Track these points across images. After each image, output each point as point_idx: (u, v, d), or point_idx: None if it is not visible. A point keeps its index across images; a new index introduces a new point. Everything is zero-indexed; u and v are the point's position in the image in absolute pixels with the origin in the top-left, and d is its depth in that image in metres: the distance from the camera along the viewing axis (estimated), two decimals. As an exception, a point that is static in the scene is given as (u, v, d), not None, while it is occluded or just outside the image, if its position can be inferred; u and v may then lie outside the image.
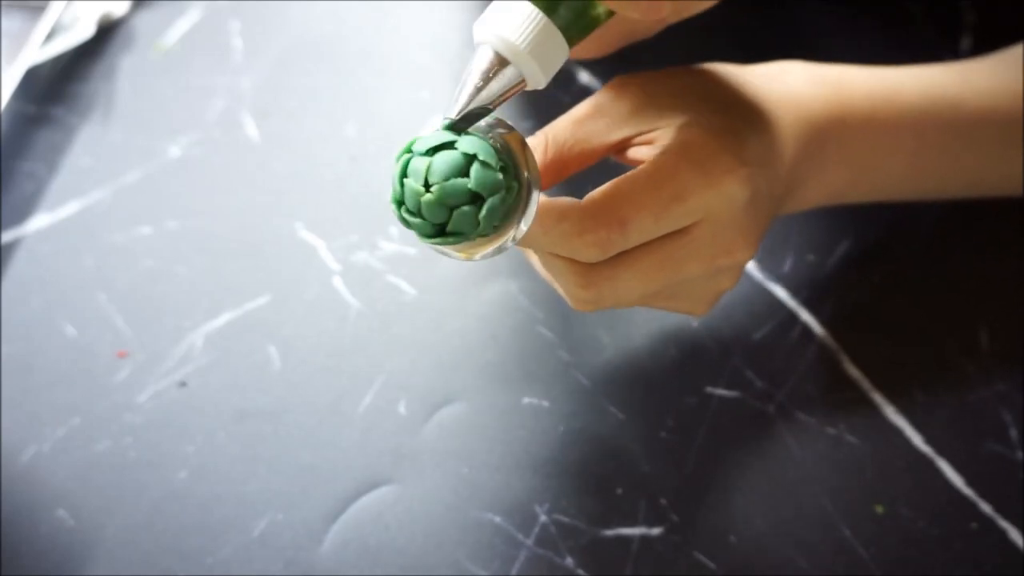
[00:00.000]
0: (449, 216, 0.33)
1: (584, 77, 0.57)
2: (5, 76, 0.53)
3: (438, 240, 0.33)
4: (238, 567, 0.42)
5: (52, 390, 0.46)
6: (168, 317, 0.49)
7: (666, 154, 0.36)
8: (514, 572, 0.42)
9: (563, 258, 0.37)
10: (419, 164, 0.33)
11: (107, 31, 0.60)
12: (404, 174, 0.33)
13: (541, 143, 0.38)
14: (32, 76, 0.57)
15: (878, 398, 0.46)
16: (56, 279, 0.50)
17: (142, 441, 0.45)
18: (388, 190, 0.34)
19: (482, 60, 0.32)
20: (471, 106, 0.33)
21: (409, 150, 0.33)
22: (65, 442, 0.45)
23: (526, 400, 0.46)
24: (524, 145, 0.34)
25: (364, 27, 0.60)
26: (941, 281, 0.49)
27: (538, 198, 0.34)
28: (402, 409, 0.46)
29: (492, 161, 0.33)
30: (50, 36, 0.56)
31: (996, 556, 0.42)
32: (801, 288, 0.49)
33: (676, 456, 0.44)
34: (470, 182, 0.32)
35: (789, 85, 0.41)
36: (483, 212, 0.33)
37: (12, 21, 0.56)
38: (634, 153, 0.38)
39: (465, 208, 0.33)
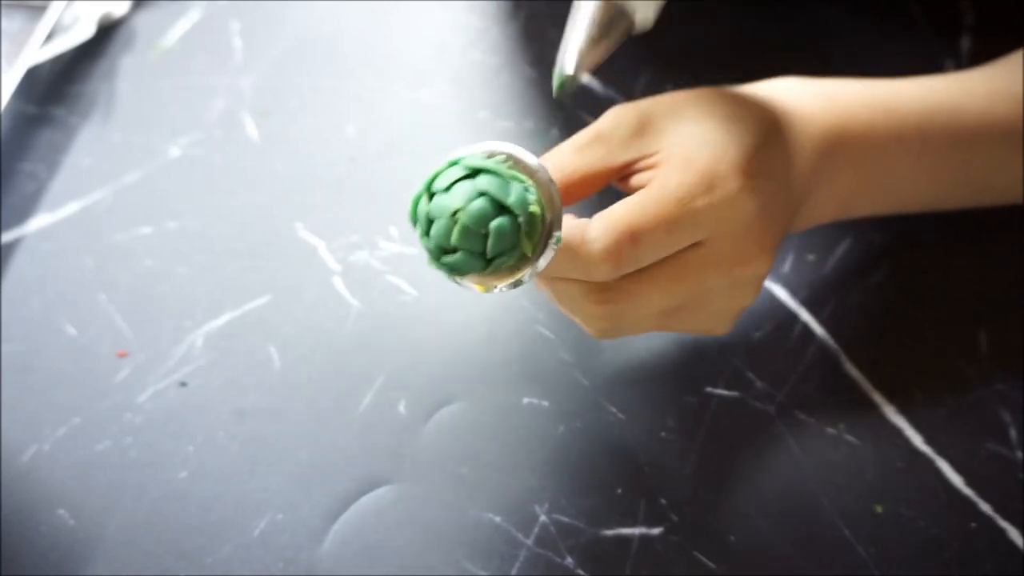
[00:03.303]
0: (485, 242, 0.34)
1: (584, 77, 0.57)
2: (5, 76, 0.53)
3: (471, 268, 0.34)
4: (238, 567, 0.42)
5: (52, 390, 0.46)
6: (168, 317, 0.49)
7: (671, 170, 0.37)
8: (514, 572, 0.42)
9: (577, 281, 0.37)
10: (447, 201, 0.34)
11: (107, 31, 0.60)
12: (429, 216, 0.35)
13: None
14: (32, 76, 0.57)
15: (878, 398, 0.46)
16: (56, 279, 0.50)
17: (142, 441, 0.45)
18: (413, 213, 0.35)
19: (590, 8, 0.33)
20: (582, 51, 0.34)
21: (430, 188, 0.35)
22: (65, 442, 0.45)
23: (526, 400, 0.46)
24: (551, 181, 0.35)
25: (364, 27, 0.60)
26: (941, 282, 0.49)
27: (561, 235, 0.35)
28: (402, 409, 0.46)
29: (526, 207, 0.34)
30: (50, 36, 0.56)
31: (996, 556, 0.42)
32: (801, 288, 0.49)
33: (676, 456, 0.44)
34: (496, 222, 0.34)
35: (789, 100, 0.41)
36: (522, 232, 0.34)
37: (12, 21, 0.56)
38: (637, 180, 0.38)
39: (502, 223, 0.34)
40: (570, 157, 0.38)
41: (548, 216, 0.35)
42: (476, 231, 0.33)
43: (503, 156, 0.35)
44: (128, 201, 0.53)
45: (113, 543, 0.42)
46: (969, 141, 0.43)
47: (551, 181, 0.35)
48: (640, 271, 0.37)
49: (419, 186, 0.35)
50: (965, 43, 0.57)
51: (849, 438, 0.45)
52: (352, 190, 0.53)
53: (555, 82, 0.35)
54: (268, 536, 0.42)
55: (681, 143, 0.37)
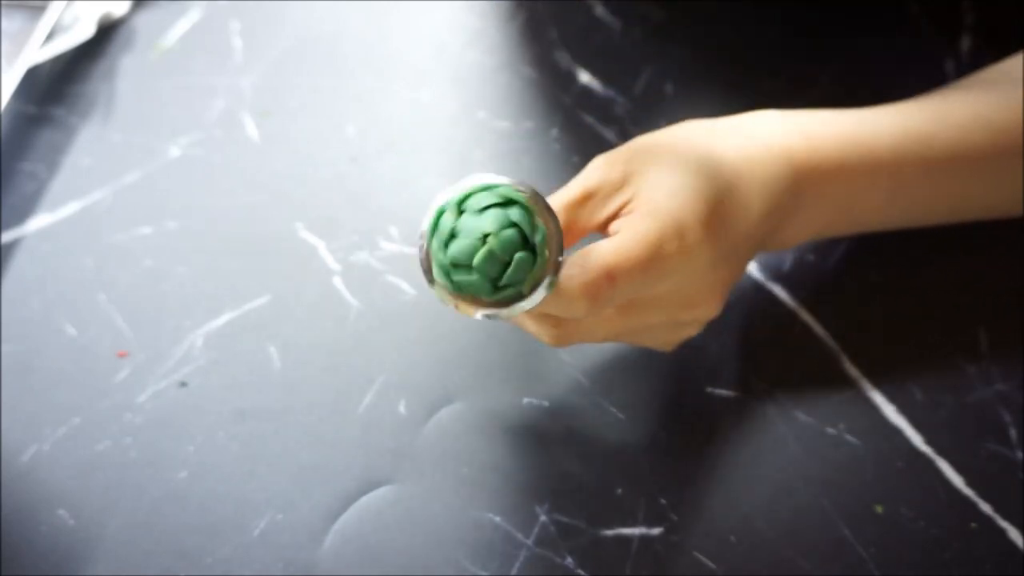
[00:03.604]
0: (503, 269, 0.35)
1: (584, 77, 0.57)
2: (5, 76, 0.53)
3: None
4: (238, 567, 0.42)
5: (52, 390, 0.46)
6: (168, 317, 0.49)
7: (645, 218, 0.39)
8: (514, 572, 0.42)
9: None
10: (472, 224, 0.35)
11: (107, 31, 0.60)
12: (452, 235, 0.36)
13: None
14: (32, 76, 0.57)
15: (878, 398, 0.46)
16: (56, 279, 0.50)
17: (142, 441, 0.45)
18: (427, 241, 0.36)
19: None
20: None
21: (442, 213, 0.36)
22: (65, 442, 0.45)
23: (526, 400, 0.46)
24: (559, 230, 0.37)
25: (364, 27, 0.60)
26: (941, 281, 0.49)
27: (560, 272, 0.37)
28: (402, 409, 0.46)
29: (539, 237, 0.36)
30: (50, 36, 0.57)
31: (996, 556, 0.42)
32: (801, 288, 0.49)
33: (676, 456, 0.44)
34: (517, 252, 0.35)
35: (760, 138, 0.42)
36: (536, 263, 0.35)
37: (12, 21, 0.56)
38: (613, 226, 0.40)
39: (521, 255, 0.35)
40: (563, 216, 0.41)
41: (553, 261, 0.36)
42: (500, 258, 0.35)
43: (531, 193, 0.36)
44: (128, 201, 0.53)
45: (113, 543, 0.42)
46: (943, 169, 0.44)
47: (559, 230, 0.37)
48: None
49: (445, 199, 0.36)
50: (965, 43, 0.57)
51: (849, 438, 0.45)
52: (352, 190, 0.53)
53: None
54: (268, 536, 0.42)
55: (652, 193, 0.39)
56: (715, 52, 0.57)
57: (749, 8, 0.59)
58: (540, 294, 0.36)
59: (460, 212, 0.36)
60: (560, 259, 0.36)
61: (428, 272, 0.36)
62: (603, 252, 0.38)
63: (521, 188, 0.36)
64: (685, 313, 0.41)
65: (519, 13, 0.60)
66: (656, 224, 0.38)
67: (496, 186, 0.36)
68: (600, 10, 0.60)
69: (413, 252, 0.51)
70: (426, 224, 0.36)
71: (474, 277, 0.35)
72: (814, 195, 0.43)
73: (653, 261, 0.38)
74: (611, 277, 0.37)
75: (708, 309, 0.41)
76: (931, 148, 0.44)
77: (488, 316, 0.36)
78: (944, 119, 0.44)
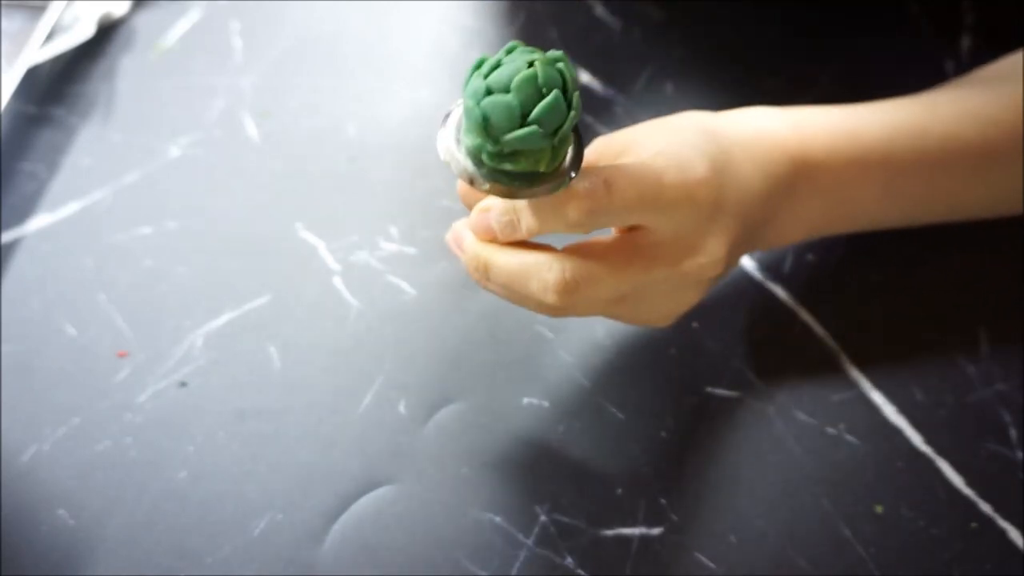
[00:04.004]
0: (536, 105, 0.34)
1: (584, 77, 0.57)
2: (5, 76, 0.53)
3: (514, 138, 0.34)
4: (238, 567, 0.42)
5: (52, 390, 0.46)
6: (168, 317, 0.49)
7: (647, 153, 0.39)
8: (514, 572, 0.42)
9: (546, 257, 0.39)
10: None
11: (107, 31, 0.60)
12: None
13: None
14: (32, 76, 0.57)
15: (878, 398, 0.46)
16: (56, 279, 0.50)
17: (142, 441, 0.45)
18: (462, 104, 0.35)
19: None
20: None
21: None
22: (65, 442, 0.45)
23: (526, 400, 0.46)
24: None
25: (364, 27, 0.60)
26: (941, 281, 0.49)
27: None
28: (402, 409, 0.46)
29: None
30: (50, 36, 0.56)
31: (996, 556, 0.42)
32: (801, 288, 0.49)
33: (676, 456, 0.44)
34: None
35: (755, 128, 0.42)
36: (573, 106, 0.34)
37: (12, 21, 0.56)
38: None
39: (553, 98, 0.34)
40: None
41: (574, 153, 0.36)
42: (540, 86, 0.33)
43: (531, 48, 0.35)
44: (128, 201, 0.53)
45: (113, 543, 0.42)
46: (935, 165, 0.44)
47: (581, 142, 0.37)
48: (595, 253, 0.39)
49: (473, 66, 0.35)
50: (965, 43, 0.57)
51: (849, 438, 0.45)
52: (352, 190, 0.53)
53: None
54: (268, 536, 0.42)
55: (656, 145, 0.40)
56: (715, 52, 0.57)
57: (749, 8, 0.59)
58: (556, 183, 0.36)
59: (506, 52, 0.35)
60: (577, 165, 0.36)
61: (455, 130, 0.36)
62: (604, 165, 0.38)
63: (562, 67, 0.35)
64: (688, 261, 0.39)
65: (519, 13, 0.60)
66: (658, 159, 0.38)
67: (517, 47, 0.35)
68: (600, 10, 0.60)
69: (413, 252, 0.51)
70: (465, 98, 0.35)
71: (508, 98, 0.34)
72: (807, 187, 0.43)
73: (652, 185, 0.37)
74: (608, 186, 0.37)
75: (710, 257, 0.39)
76: (923, 144, 0.43)
77: (492, 189, 0.36)
78: (936, 114, 0.44)
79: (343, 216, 0.52)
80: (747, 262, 0.50)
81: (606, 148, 0.41)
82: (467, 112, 0.35)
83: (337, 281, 0.50)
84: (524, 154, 0.35)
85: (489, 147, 0.35)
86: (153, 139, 0.55)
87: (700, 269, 0.40)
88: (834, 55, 0.57)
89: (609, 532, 0.42)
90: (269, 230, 0.52)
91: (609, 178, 0.37)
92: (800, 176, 0.42)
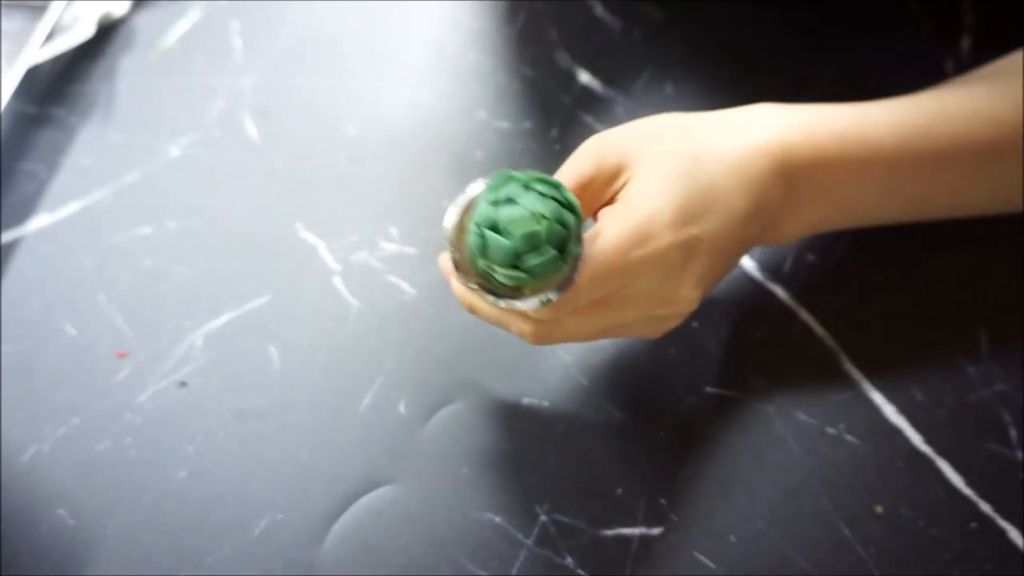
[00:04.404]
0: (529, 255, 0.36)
1: (584, 77, 0.57)
2: (5, 76, 0.53)
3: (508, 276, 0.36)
4: (238, 567, 0.42)
5: (52, 390, 0.46)
6: (168, 317, 0.49)
7: (613, 221, 0.39)
8: (514, 572, 0.42)
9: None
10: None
11: (107, 31, 0.60)
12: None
13: None
14: (32, 76, 0.57)
15: (878, 398, 0.46)
16: (56, 279, 0.50)
17: (142, 441, 0.45)
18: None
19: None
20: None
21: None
22: (65, 442, 0.45)
23: (526, 400, 0.46)
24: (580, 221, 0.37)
25: (364, 27, 0.60)
26: (941, 281, 0.49)
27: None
28: (402, 409, 0.46)
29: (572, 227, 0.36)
30: (50, 36, 0.56)
31: (996, 556, 0.42)
32: (801, 288, 0.49)
33: (676, 456, 0.44)
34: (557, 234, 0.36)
35: (753, 134, 0.42)
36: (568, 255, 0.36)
37: (12, 21, 0.56)
38: (600, 216, 0.41)
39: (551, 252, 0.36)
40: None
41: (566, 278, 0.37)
42: (538, 243, 0.35)
43: (552, 184, 0.37)
44: (128, 201, 0.53)
45: (113, 543, 0.42)
46: (940, 164, 0.44)
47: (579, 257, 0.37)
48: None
49: (517, 173, 0.36)
50: (965, 43, 0.57)
51: (849, 438, 0.45)
52: (352, 190, 0.53)
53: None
54: (268, 536, 0.42)
55: (632, 191, 0.40)
56: (715, 52, 0.57)
57: (749, 8, 0.59)
58: (534, 302, 0.37)
59: (524, 185, 0.36)
60: (568, 282, 0.37)
61: (458, 230, 0.37)
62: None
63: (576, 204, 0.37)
64: (661, 309, 0.41)
65: (519, 13, 0.60)
66: (622, 230, 0.38)
67: (561, 186, 0.36)
68: (600, 10, 0.60)
69: (413, 252, 0.51)
70: (481, 185, 0.37)
71: (507, 243, 0.35)
72: (810, 189, 0.43)
73: (617, 268, 0.38)
74: (575, 294, 0.38)
75: (684, 305, 0.41)
76: (929, 140, 0.43)
77: (484, 296, 0.37)
78: (944, 113, 0.44)
79: (343, 216, 0.52)
80: (747, 262, 0.50)
81: (601, 169, 0.41)
82: (471, 231, 0.36)
83: (337, 281, 0.50)
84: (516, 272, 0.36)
85: (481, 263, 0.36)
86: (153, 139, 0.55)
87: (672, 314, 0.41)
88: (834, 55, 0.57)
89: (609, 532, 0.42)
90: (269, 230, 0.52)
91: (576, 283, 0.38)
92: (802, 180, 0.42)
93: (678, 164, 0.40)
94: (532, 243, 0.35)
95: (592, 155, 0.41)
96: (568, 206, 0.36)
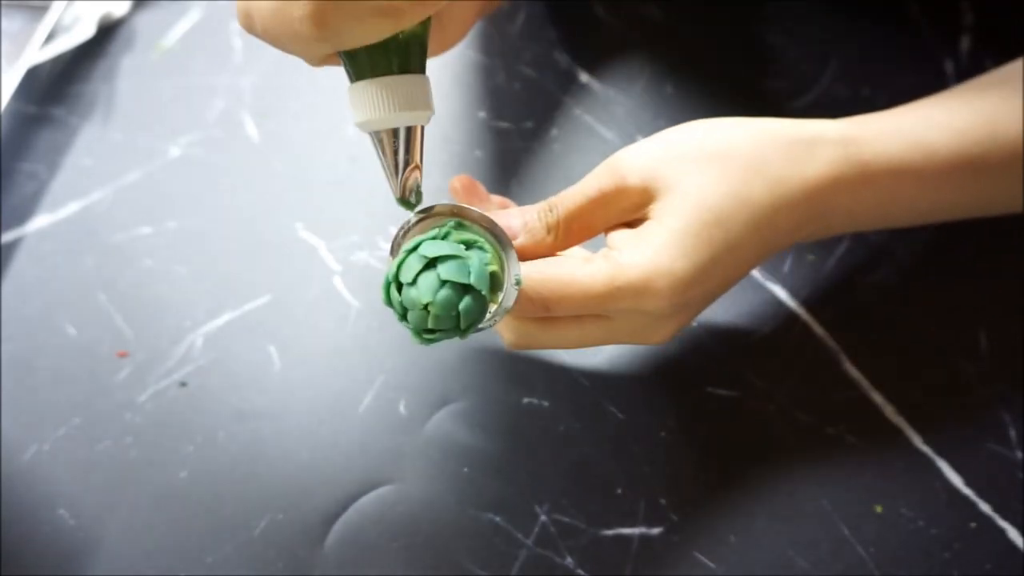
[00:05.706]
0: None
1: (584, 77, 0.57)
2: (6, 76, 0.53)
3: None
4: (238, 566, 0.42)
5: (52, 390, 0.46)
6: (168, 317, 0.49)
7: (613, 265, 0.38)
8: (514, 572, 0.42)
9: None
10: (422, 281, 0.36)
11: (107, 31, 0.60)
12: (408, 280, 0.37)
13: (554, 218, 0.40)
14: (33, 76, 0.57)
15: (878, 398, 0.46)
16: (56, 279, 0.50)
17: (142, 441, 0.45)
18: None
19: (379, 144, 0.38)
20: (405, 177, 0.38)
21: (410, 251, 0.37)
22: (66, 442, 0.45)
23: (526, 400, 0.46)
24: (494, 223, 0.38)
25: (364, 27, 0.60)
26: (941, 281, 0.49)
27: (514, 298, 0.37)
28: (402, 409, 0.46)
29: (484, 289, 0.36)
30: (51, 36, 0.57)
31: (995, 556, 0.42)
32: (801, 288, 0.49)
33: (676, 456, 0.44)
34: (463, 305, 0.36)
35: (803, 178, 0.39)
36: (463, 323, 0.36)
37: (12, 21, 0.56)
38: (611, 236, 0.40)
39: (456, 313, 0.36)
40: (580, 210, 0.39)
41: (505, 264, 0.37)
42: (448, 315, 0.36)
43: (452, 223, 0.37)
44: (128, 201, 0.53)
45: (113, 543, 0.42)
46: (992, 170, 0.42)
47: (494, 223, 0.37)
48: (550, 320, 0.40)
49: (384, 277, 0.37)
50: (965, 43, 0.57)
51: (849, 438, 0.45)
52: (352, 190, 0.53)
53: (400, 205, 0.39)
54: (268, 536, 0.42)
55: (649, 235, 0.38)
56: (714, 53, 0.57)
57: (749, 9, 0.59)
58: (512, 293, 0.37)
59: (400, 285, 0.37)
60: (510, 256, 0.37)
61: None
62: (552, 278, 0.38)
63: (437, 217, 0.38)
64: (638, 341, 0.40)
65: (519, 13, 0.60)
66: (624, 271, 0.37)
67: (418, 246, 0.37)
68: (600, 10, 0.60)
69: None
70: (382, 301, 0.38)
71: (440, 335, 0.36)
72: (843, 223, 0.42)
73: (601, 298, 0.37)
74: (546, 308, 0.38)
75: (655, 342, 0.40)
76: (992, 147, 0.42)
77: (482, 329, 0.38)
78: (991, 138, 0.42)
79: (343, 216, 0.52)
80: (747, 262, 0.50)
81: (625, 190, 0.39)
82: (414, 334, 0.37)
83: (337, 281, 0.50)
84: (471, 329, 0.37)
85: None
86: (153, 139, 0.55)
87: (650, 343, 0.41)
88: (834, 55, 0.57)
89: (609, 532, 0.43)
90: (269, 230, 0.52)
91: (548, 302, 0.38)
92: (840, 214, 0.41)
93: (703, 216, 0.38)
94: (426, 324, 0.36)
95: (615, 173, 0.39)
96: (480, 255, 0.37)
